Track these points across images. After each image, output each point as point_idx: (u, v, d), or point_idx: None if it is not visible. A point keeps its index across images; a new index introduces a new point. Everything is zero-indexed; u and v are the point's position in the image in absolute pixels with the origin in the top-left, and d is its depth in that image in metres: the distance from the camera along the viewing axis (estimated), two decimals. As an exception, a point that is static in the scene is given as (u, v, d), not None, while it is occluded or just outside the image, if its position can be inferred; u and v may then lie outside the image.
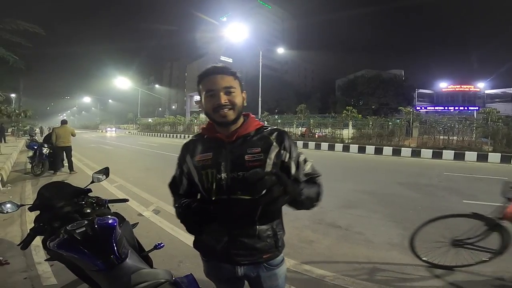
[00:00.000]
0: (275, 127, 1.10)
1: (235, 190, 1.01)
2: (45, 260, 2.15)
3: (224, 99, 0.99)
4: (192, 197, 1.12)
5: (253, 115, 1.14)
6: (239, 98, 1.04)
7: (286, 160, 1.05)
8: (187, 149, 1.14)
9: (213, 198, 1.03)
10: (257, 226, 1.03)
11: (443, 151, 13.35)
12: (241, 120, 1.08)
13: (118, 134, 41.53)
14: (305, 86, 63.32)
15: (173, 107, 71.60)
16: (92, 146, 16.48)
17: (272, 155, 1.03)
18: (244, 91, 1.09)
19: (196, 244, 1.15)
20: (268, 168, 1.01)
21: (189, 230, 0.97)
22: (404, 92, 37.46)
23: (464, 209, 4.77)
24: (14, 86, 22.97)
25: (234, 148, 1.04)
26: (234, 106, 1.01)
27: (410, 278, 2.57)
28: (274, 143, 1.04)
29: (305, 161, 1.09)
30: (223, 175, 1.02)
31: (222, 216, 0.99)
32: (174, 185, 1.19)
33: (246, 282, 1.17)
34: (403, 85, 38.54)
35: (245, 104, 1.08)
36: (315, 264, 2.77)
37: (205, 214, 0.94)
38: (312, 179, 1.07)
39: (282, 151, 1.04)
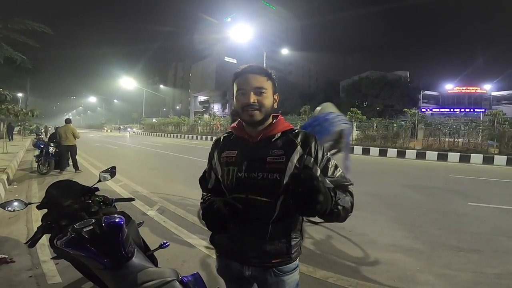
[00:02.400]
0: (303, 131, 1.08)
1: (252, 190, 1.01)
2: (51, 259, 2.17)
3: (253, 98, 1.00)
4: (219, 193, 1.12)
5: (283, 117, 1.12)
6: (269, 99, 1.03)
7: (310, 165, 1.01)
8: (216, 145, 1.17)
9: (232, 196, 1.04)
10: (270, 229, 1.02)
11: (449, 153, 13.23)
12: (270, 121, 1.08)
13: (123, 134, 41.79)
14: (309, 87, 63.22)
15: (177, 107, 71.93)
16: (97, 146, 16.60)
17: (295, 158, 1.00)
18: (277, 94, 1.09)
19: (212, 239, 1.15)
20: (289, 172, 0.98)
21: (210, 227, 0.98)
22: (409, 94, 37.13)
23: (470, 211, 4.74)
24: (21, 86, 23.28)
25: (257, 149, 1.04)
26: (262, 107, 1.01)
27: (414, 280, 2.55)
28: (299, 147, 1.02)
29: (335, 167, 1.04)
30: (244, 174, 1.02)
31: (240, 214, 0.98)
32: (203, 180, 1.22)
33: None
34: (408, 87, 38.21)
35: (275, 107, 1.08)
36: (317, 265, 2.77)
37: (225, 214, 0.92)
38: (343, 187, 1.01)
39: (306, 156, 1.01)
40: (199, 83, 59.11)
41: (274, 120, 1.09)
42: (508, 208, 4.92)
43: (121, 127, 52.52)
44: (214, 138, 1.19)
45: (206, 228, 0.98)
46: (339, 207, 0.89)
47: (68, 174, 7.72)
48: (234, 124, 1.14)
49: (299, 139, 1.03)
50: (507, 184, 7.55)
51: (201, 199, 1.16)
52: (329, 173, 1.01)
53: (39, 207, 1.65)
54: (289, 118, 24.96)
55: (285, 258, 1.05)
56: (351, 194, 1.00)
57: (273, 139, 1.05)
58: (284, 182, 0.99)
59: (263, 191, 1.00)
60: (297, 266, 1.09)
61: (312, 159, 1.01)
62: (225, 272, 1.16)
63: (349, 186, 1.02)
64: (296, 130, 1.08)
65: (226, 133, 1.19)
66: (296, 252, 1.07)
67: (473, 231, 3.85)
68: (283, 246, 1.03)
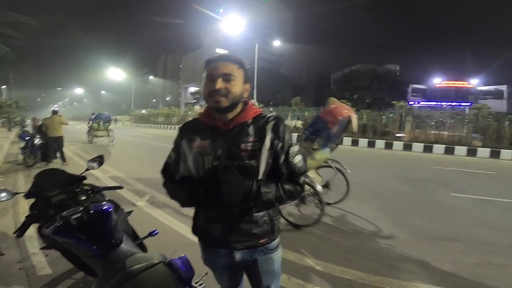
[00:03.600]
0: (272, 115, 1.09)
1: None
2: (41, 249, 2.16)
3: (220, 85, 0.99)
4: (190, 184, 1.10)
5: (251, 102, 1.13)
6: (237, 87, 1.03)
7: (278, 149, 1.05)
8: (184, 133, 1.12)
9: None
10: (254, 213, 1.06)
11: (434, 145, 13.57)
12: (239, 108, 1.07)
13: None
14: (301, 79, 63.21)
15: (168, 98, 70.92)
16: (84, 137, 16.28)
17: (267, 144, 1.03)
18: (249, 83, 1.10)
19: (195, 230, 1.17)
20: (263, 157, 1.02)
21: (189, 204, 1.09)
22: (398, 87, 37.74)
23: (452, 202, 4.92)
24: (5, 78, 22.55)
25: (230, 137, 1.04)
26: (229, 93, 1.00)
27: (397, 268, 2.65)
28: (270, 131, 1.04)
29: (297, 153, 1.08)
30: (219, 163, 1.02)
31: (219, 204, 0.98)
32: (167, 172, 1.16)
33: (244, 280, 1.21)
34: (398, 80, 38.81)
35: (246, 96, 1.09)
36: (306, 253, 2.85)
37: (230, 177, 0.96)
38: (292, 177, 1.07)
39: (276, 140, 1.04)
40: (190, 75, 58.27)
41: (244, 107, 1.09)
42: (488, 199, 5.12)
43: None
44: (179, 126, 1.15)
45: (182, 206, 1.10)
46: (260, 200, 1.00)
47: (54, 166, 7.58)
48: (202, 111, 1.14)
49: (270, 124, 1.05)
50: (488, 175, 7.83)
51: (170, 195, 1.14)
52: (290, 158, 1.06)
53: (26, 196, 1.64)
54: (280, 110, 25.03)
55: (270, 237, 1.11)
56: (299, 184, 1.08)
57: (245, 126, 1.05)
58: (260, 168, 1.03)
59: None
60: (279, 243, 1.18)
61: (280, 143, 1.05)
62: (213, 261, 1.18)
63: (300, 177, 1.08)
64: (267, 115, 1.09)
65: (193, 119, 1.17)
66: (278, 229, 1.15)
67: (454, 221, 4.00)
68: (268, 226, 1.10)
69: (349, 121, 4.02)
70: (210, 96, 1.01)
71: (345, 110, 4.02)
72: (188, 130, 1.12)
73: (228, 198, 0.94)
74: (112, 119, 15.94)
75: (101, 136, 13.69)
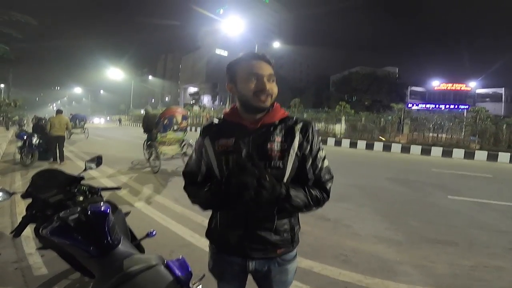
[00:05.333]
0: (301, 118, 1.07)
1: None
2: (37, 249, 2.16)
3: (268, 85, 0.98)
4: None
5: (279, 104, 1.09)
6: (276, 88, 1.02)
7: (307, 152, 1.02)
8: (207, 132, 1.08)
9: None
10: (275, 219, 1.00)
11: (432, 148, 13.62)
12: None
13: (109, 125, 40.90)
14: (300, 81, 63.28)
15: (167, 99, 70.84)
16: (82, 137, 16.23)
17: (296, 145, 1.00)
18: None
19: (209, 235, 1.12)
20: (291, 159, 0.99)
21: (212, 204, 1.00)
22: (397, 90, 37.89)
23: (449, 204, 4.94)
24: (3, 77, 22.51)
25: (257, 136, 1.00)
26: (273, 94, 1.00)
27: (393, 271, 2.66)
28: (298, 133, 1.01)
29: (323, 158, 1.04)
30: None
31: (240, 207, 0.94)
32: (189, 173, 1.12)
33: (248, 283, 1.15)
34: (397, 83, 38.95)
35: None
36: (303, 255, 2.84)
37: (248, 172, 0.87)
38: (319, 182, 1.03)
39: (305, 143, 1.01)
40: (189, 75, 58.36)
41: (271, 108, 1.05)
42: (484, 201, 5.14)
43: (96, 118, 51.66)
44: (202, 125, 1.11)
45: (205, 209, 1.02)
46: (289, 204, 0.94)
47: (52, 165, 7.56)
48: (227, 110, 1.10)
49: (298, 126, 1.02)
50: (485, 178, 7.86)
51: (191, 197, 1.07)
52: (318, 162, 1.02)
53: (23, 196, 1.64)
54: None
55: (288, 247, 1.05)
56: (326, 191, 1.03)
57: (272, 127, 1.02)
58: (286, 170, 0.99)
59: None
60: (296, 254, 1.11)
61: (309, 146, 1.02)
62: (222, 270, 1.12)
63: (327, 183, 1.03)
64: (294, 118, 1.06)
65: (217, 119, 1.12)
66: (297, 239, 1.08)
67: (450, 223, 4.01)
68: (287, 236, 1.03)
69: (174, 117, 7.36)
70: (257, 95, 0.97)
71: (172, 111, 7.52)
72: (211, 130, 1.08)
73: (256, 196, 0.85)
74: (86, 119, 19.69)
75: (76, 133, 16.92)
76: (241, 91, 1.00)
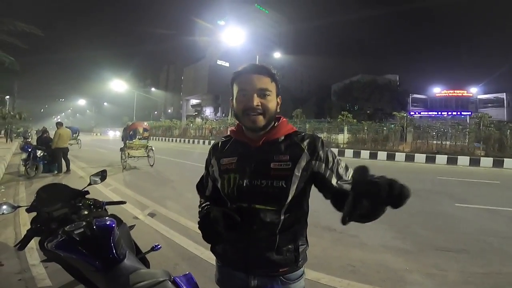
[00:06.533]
0: (308, 133, 1.00)
1: (256, 199, 0.93)
2: (41, 261, 2.14)
3: (256, 101, 0.91)
4: (217, 200, 1.04)
5: (286, 119, 1.03)
6: (273, 102, 0.95)
7: (322, 171, 0.94)
8: (214, 150, 1.07)
9: (233, 206, 0.97)
10: (277, 239, 0.95)
11: (436, 155, 13.53)
12: (271, 123, 0.99)
13: (113, 137, 41.23)
14: (302, 91, 63.62)
15: (169, 110, 71.39)
16: (86, 149, 16.34)
17: (302, 164, 0.93)
18: (279, 96, 1.00)
19: (213, 249, 1.09)
20: (295, 179, 0.92)
21: (205, 238, 0.91)
22: (398, 97, 37.95)
23: (457, 212, 4.86)
24: (9, 88, 22.80)
25: (259, 154, 0.95)
26: (266, 111, 0.92)
27: (403, 280, 2.60)
28: (305, 152, 0.94)
29: (346, 168, 0.97)
30: (246, 181, 0.94)
31: (239, 226, 0.91)
32: (201, 186, 1.14)
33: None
34: (398, 90, 39.05)
35: (279, 110, 1.00)
36: (310, 266, 2.79)
37: (221, 226, 0.88)
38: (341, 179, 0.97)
39: (314, 162, 0.94)
40: (191, 86, 58.90)
41: (276, 123, 1.00)
42: (493, 208, 5.06)
43: (108, 129, 53.79)
44: (212, 142, 1.19)
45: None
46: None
47: (56, 177, 7.58)
48: (233, 128, 1.06)
49: (305, 142, 0.96)
50: (492, 185, 7.76)
51: (199, 206, 1.06)
52: (343, 176, 0.95)
53: (28, 210, 1.63)
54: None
55: (292, 267, 0.99)
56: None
57: (276, 143, 0.97)
58: (291, 190, 0.92)
59: (267, 200, 0.93)
60: (303, 272, 1.05)
61: (323, 164, 0.94)
62: (226, 283, 1.08)
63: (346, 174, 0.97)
64: (302, 133, 0.99)
65: (224, 137, 1.10)
66: (303, 259, 1.02)
67: (459, 231, 3.94)
68: (291, 255, 0.97)
69: (137, 129, 10.27)
70: (245, 114, 0.92)
71: (135, 125, 10.35)
72: (217, 148, 1.07)
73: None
74: (79, 131, 20.15)
75: (71, 144, 18.46)
76: (235, 110, 0.97)
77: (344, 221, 0.70)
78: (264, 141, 0.96)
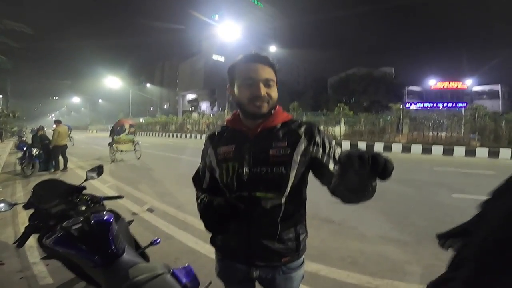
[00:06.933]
0: (304, 121, 1.02)
1: (257, 186, 0.94)
2: (41, 259, 2.13)
3: (263, 91, 0.92)
4: (216, 192, 1.03)
5: (280, 107, 1.04)
6: (275, 92, 0.97)
7: (319, 156, 0.96)
8: (210, 141, 1.07)
9: (233, 195, 0.97)
10: (279, 227, 0.96)
11: (433, 146, 13.63)
12: None
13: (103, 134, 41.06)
14: (298, 84, 63.50)
15: (165, 106, 71.02)
16: (82, 147, 16.24)
17: (300, 150, 0.94)
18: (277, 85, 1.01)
19: (213, 240, 1.09)
20: (294, 165, 0.93)
21: (209, 228, 0.92)
22: (394, 90, 38.03)
23: (454, 203, 4.90)
24: (2, 87, 22.52)
25: (258, 141, 0.96)
26: (271, 100, 0.95)
27: (403, 270, 2.62)
28: (303, 138, 0.96)
29: (336, 147, 1.00)
30: (245, 169, 0.94)
31: (242, 214, 0.92)
32: (197, 179, 1.13)
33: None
34: (394, 83, 39.11)
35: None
36: (309, 258, 2.80)
37: (227, 213, 0.89)
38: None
39: (311, 147, 0.96)
40: (187, 82, 58.57)
41: (273, 111, 1.00)
42: (489, 198, 5.10)
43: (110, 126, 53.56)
44: (207, 133, 1.14)
45: (205, 229, 0.93)
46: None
47: (53, 175, 7.53)
48: (229, 117, 1.07)
49: (302, 129, 0.97)
50: (488, 175, 7.83)
51: (197, 199, 1.04)
52: (333, 152, 0.98)
53: (25, 207, 1.61)
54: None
55: (293, 256, 1.01)
56: None
57: (274, 131, 0.98)
58: (290, 176, 0.94)
59: (268, 187, 0.93)
60: (303, 261, 1.07)
61: (320, 149, 0.96)
62: (228, 275, 1.09)
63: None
64: (298, 120, 1.01)
65: (218, 128, 1.09)
66: (304, 247, 1.04)
67: (457, 222, 3.91)
68: (292, 244, 0.99)
69: (124, 125, 10.97)
70: (252, 101, 0.93)
71: (121, 122, 11.26)
72: (214, 138, 1.06)
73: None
74: (71, 129, 20.12)
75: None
76: (237, 96, 0.97)
77: (334, 191, 0.81)
78: (261, 129, 0.97)
